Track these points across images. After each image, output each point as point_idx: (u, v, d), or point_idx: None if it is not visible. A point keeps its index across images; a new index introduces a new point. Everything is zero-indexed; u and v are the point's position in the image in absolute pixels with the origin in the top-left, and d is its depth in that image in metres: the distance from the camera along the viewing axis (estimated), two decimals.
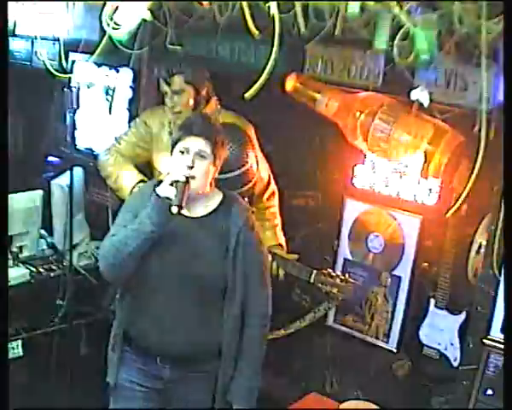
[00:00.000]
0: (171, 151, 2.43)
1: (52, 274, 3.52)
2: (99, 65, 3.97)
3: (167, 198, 2.30)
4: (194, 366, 2.51)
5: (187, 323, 2.45)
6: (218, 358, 2.52)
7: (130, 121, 3.53)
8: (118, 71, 3.93)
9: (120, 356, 2.53)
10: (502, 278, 2.53)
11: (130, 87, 3.86)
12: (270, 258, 3.16)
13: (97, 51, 3.19)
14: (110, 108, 4.12)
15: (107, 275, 2.46)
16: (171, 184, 2.31)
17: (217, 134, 2.43)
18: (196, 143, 2.37)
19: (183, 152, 2.37)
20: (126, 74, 3.85)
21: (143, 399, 2.56)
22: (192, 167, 2.34)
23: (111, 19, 2.89)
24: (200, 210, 2.48)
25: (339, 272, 3.27)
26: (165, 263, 2.42)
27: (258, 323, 2.55)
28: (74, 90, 3.81)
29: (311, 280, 3.11)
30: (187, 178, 2.32)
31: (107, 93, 4.08)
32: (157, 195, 2.33)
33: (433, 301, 3.11)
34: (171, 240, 2.42)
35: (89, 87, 3.94)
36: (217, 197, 2.52)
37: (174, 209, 2.28)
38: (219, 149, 2.43)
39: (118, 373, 2.53)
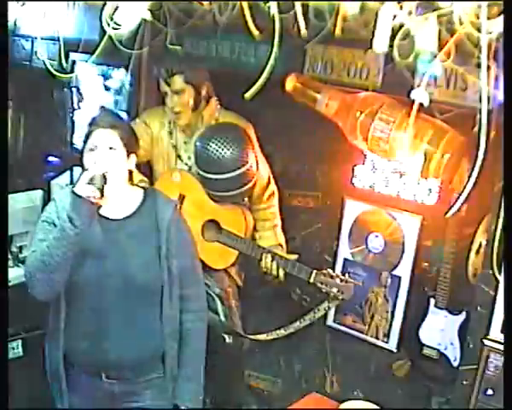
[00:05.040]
0: (82, 152, 2.37)
1: None
2: (99, 65, 3.98)
3: (87, 197, 2.22)
4: (141, 374, 2.44)
5: (127, 332, 2.37)
6: (163, 361, 2.46)
7: (130, 121, 3.53)
8: (117, 71, 3.94)
9: (66, 381, 2.43)
10: (502, 278, 2.53)
11: (130, 87, 3.86)
12: (270, 258, 3.18)
13: (97, 51, 3.18)
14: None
15: (38, 292, 2.32)
16: (89, 183, 2.23)
17: (124, 125, 2.42)
18: (104, 136, 2.32)
19: (92, 149, 2.32)
20: (125, 74, 3.86)
21: None
22: (102, 161, 2.28)
23: (111, 19, 2.88)
24: (122, 211, 2.42)
25: (339, 272, 3.27)
26: (96, 272, 2.34)
27: (196, 318, 2.50)
28: (74, 90, 3.81)
29: (311, 280, 3.11)
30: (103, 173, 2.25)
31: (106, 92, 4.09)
32: (76, 195, 2.24)
33: (433, 301, 3.11)
34: (98, 248, 2.35)
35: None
36: (137, 195, 2.47)
37: (97, 194, 2.20)
38: (129, 139, 2.38)
39: (68, 399, 2.45)
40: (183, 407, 2.48)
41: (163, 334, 2.43)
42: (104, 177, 2.25)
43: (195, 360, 2.52)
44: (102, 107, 2.94)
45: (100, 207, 2.29)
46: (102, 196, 2.23)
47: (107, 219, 2.40)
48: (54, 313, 2.44)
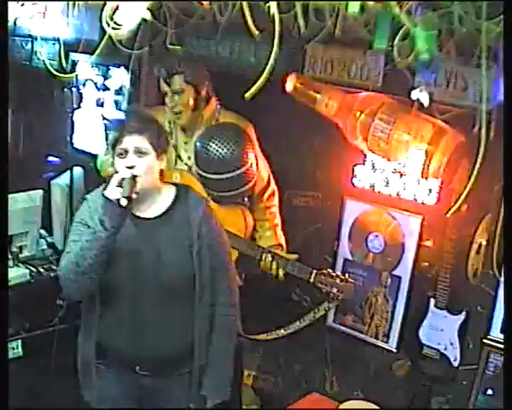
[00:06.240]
0: (112, 156, 2.37)
1: (52, 274, 3.51)
2: (99, 65, 3.98)
3: (117, 200, 2.22)
4: (173, 368, 2.48)
5: (161, 327, 2.41)
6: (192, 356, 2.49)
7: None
8: (117, 71, 3.94)
9: (97, 372, 2.48)
10: (502, 278, 2.53)
11: (130, 87, 3.86)
12: (270, 258, 3.18)
13: (97, 51, 3.19)
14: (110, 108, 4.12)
15: (73, 294, 2.40)
16: (118, 186, 2.23)
17: (152, 127, 2.39)
18: (132, 141, 2.32)
19: (122, 154, 2.32)
20: (125, 74, 3.86)
21: None
22: (133, 167, 2.28)
23: (111, 19, 2.89)
24: (155, 209, 2.43)
25: (339, 272, 3.27)
26: (131, 271, 2.36)
27: (227, 313, 2.52)
28: (74, 90, 3.81)
29: (311, 280, 3.11)
30: (133, 175, 2.26)
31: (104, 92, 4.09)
32: (106, 198, 2.25)
33: (433, 301, 3.11)
34: (132, 246, 2.37)
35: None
36: (170, 193, 2.48)
37: (123, 202, 2.20)
38: (158, 140, 2.38)
39: (97, 390, 2.49)
40: (209, 400, 2.51)
41: (194, 329, 2.46)
42: (134, 180, 2.26)
43: (225, 352, 2.54)
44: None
45: (131, 209, 2.29)
46: (130, 202, 2.23)
47: (140, 218, 2.41)
48: (88, 310, 2.47)
